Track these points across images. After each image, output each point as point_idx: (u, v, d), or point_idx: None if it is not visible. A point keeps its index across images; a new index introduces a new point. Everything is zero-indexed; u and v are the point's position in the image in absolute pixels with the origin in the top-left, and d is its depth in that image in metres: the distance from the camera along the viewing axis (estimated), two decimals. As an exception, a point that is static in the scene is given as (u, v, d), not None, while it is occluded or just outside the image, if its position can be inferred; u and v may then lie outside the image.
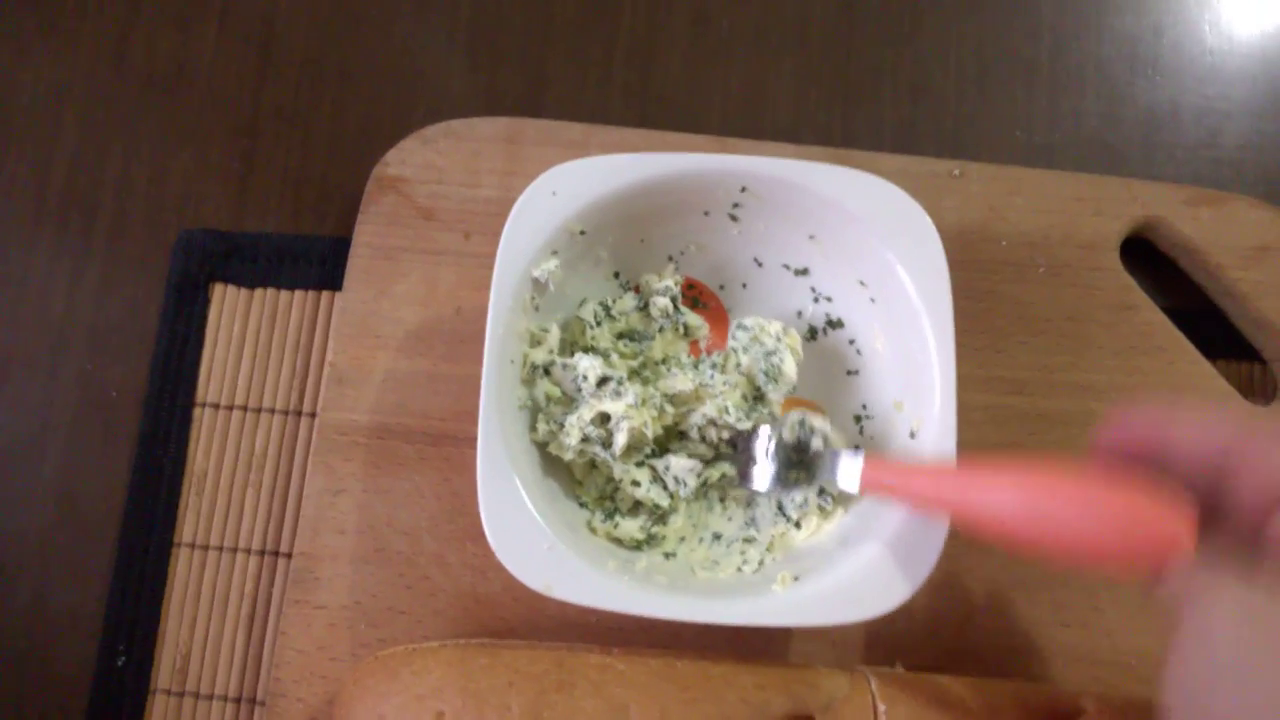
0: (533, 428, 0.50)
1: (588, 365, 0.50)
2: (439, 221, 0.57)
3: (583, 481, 0.52)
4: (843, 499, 0.50)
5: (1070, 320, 0.56)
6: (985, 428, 0.54)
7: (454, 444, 0.54)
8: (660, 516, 0.51)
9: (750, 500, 0.52)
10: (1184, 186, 0.58)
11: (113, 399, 0.59)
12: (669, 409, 0.50)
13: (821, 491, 0.50)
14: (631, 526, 0.50)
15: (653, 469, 0.51)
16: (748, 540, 0.51)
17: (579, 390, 0.50)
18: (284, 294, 0.59)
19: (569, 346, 0.52)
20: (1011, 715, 0.44)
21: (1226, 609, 0.33)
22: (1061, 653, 0.52)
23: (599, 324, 0.52)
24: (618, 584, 0.46)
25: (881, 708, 0.45)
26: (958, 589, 0.53)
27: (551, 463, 0.51)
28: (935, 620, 0.52)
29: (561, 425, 0.50)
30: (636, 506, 0.51)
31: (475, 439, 0.54)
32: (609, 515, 0.51)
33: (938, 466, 0.43)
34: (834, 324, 0.53)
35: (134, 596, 0.56)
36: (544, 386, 0.50)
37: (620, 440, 0.49)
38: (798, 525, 0.50)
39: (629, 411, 0.49)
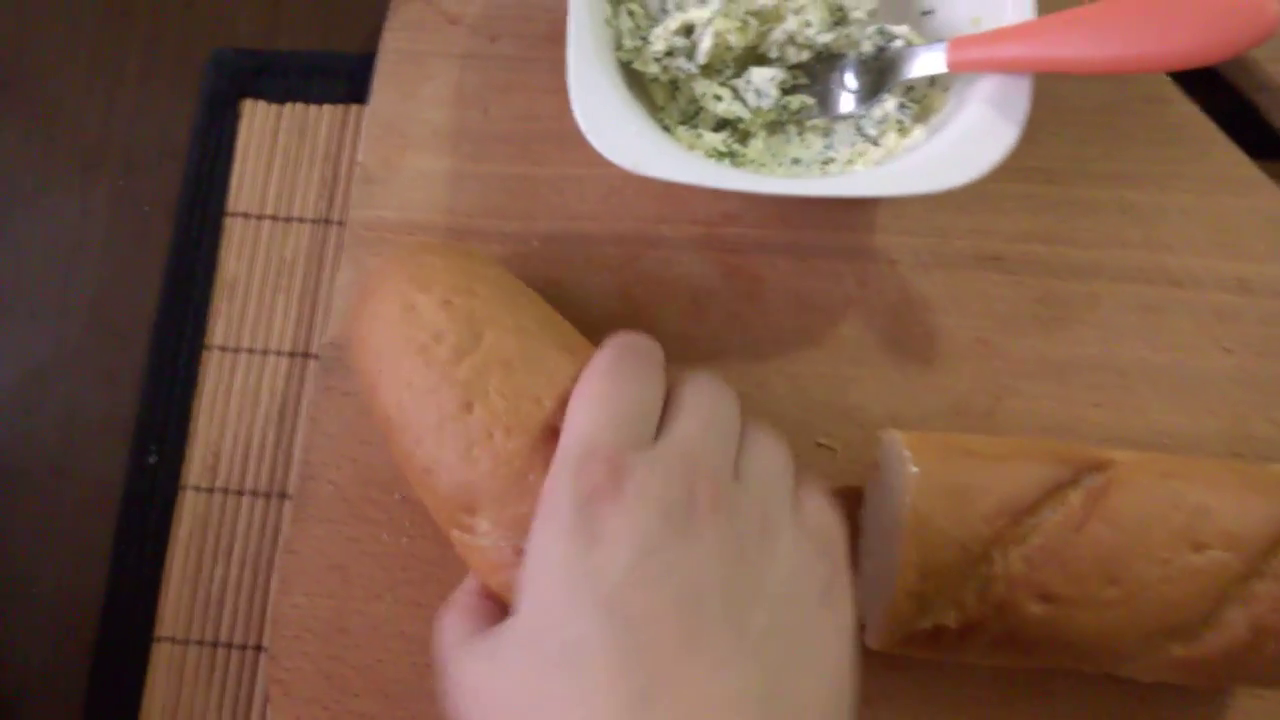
0: (618, 46, 0.51)
1: None
2: (465, 26, 0.58)
3: (664, 106, 0.53)
4: (921, 114, 0.51)
5: (1102, 111, 0.55)
6: (1018, 216, 0.54)
7: (480, 240, 0.55)
8: (741, 136, 0.53)
9: (828, 130, 0.53)
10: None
11: (145, 213, 0.60)
12: (752, 23, 0.51)
13: (901, 106, 0.51)
14: (714, 139, 0.51)
15: (733, 89, 0.52)
16: (826, 162, 0.52)
17: (664, 8, 0.52)
18: (313, 108, 0.60)
19: None
20: (1040, 462, 0.44)
21: None
22: (1094, 433, 0.51)
23: None
24: (704, 163, 0.48)
25: (906, 454, 0.44)
26: (985, 370, 0.52)
27: (633, 88, 0.52)
28: (961, 402, 0.52)
29: (646, 39, 0.51)
30: (719, 125, 0.53)
31: (499, 234, 0.55)
32: (692, 128, 0.52)
33: (1020, 25, 0.46)
34: None
35: (165, 398, 0.56)
36: (628, 6, 0.52)
37: (704, 47, 0.50)
38: (876, 143, 0.51)
39: (713, 17, 0.50)
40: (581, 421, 0.38)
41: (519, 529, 0.39)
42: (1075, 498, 0.42)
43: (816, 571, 0.37)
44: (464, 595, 0.41)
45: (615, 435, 0.37)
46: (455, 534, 0.41)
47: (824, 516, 0.39)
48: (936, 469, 0.43)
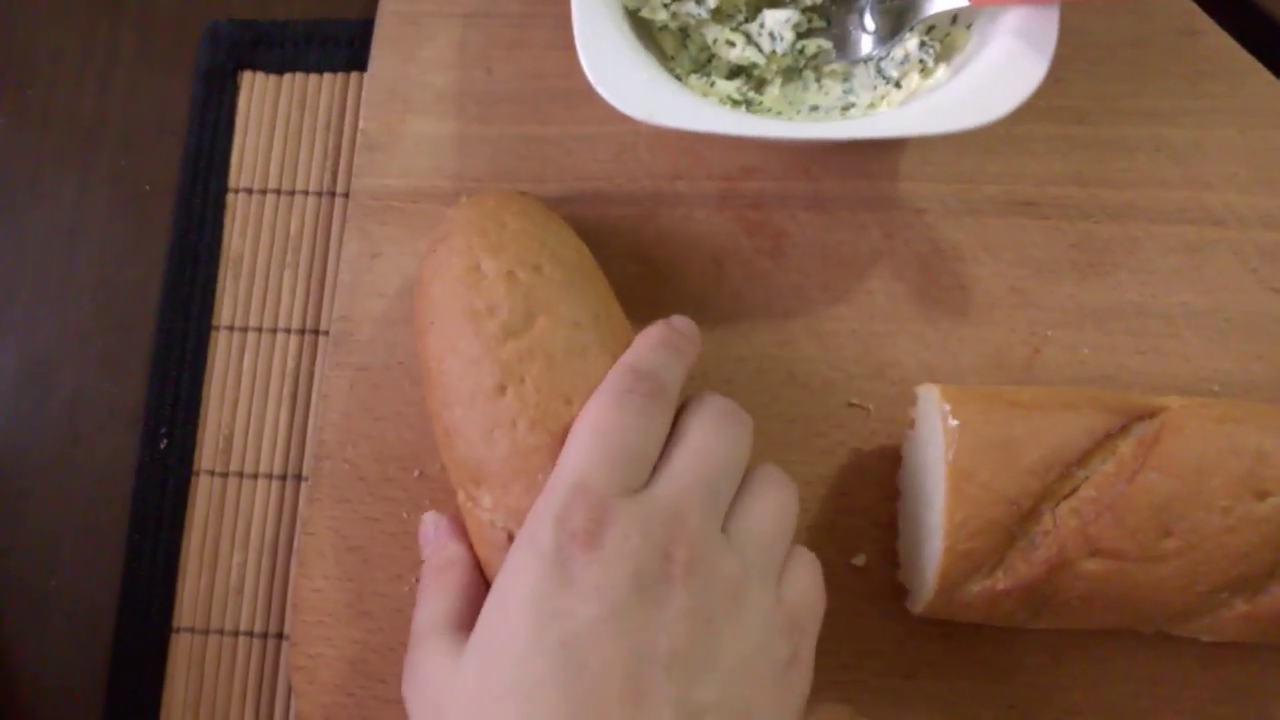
0: None
1: None
2: (466, -17, 0.56)
3: (675, 55, 0.51)
4: (944, 53, 0.49)
5: (1131, 46, 0.53)
6: (1049, 158, 0.52)
7: (491, 204, 0.53)
8: (757, 84, 0.51)
9: (847, 74, 0.51)
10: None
11: (145, 192, 0.58)
12: None
13: (923, 45, 0.49)
14: (728, 87, 0.50)
15: (746, 34, 0.50)
16: (846, 108, 0.50)
17: None
18: (313, 77, 0.58)
19: None
20: (1088, 411, 0.42)
21: None
22: (1137, 382, 0.49)
23: None
24: (720, 110, 0.46)
25: (946, 408, 0.42)
26: (1021, 320, 0.50)
27: (642, 38, 0.49)
28: (998, 354, 0.50)
29: None
30: (732, 73, 0.51)
31: (512, 196, 0.53)
32: (704, 77, 0.50)
33: None
34: None
35: (174, 381, 0.55)
36: None
37: None
38: (898, 85, 0.49)
39: None
40: (578, 452, 0.38)
41: (516, 517, 0.39)
42: (1126, 447, 0.40)
43: (779, 651, 0.37)
44: (458, 569, 0.41)
45: (607, 475, 0.37)
46: (461, 496, 0.42)
47: (805, 592, 0.39)
48: (978, 422, 0.42)
